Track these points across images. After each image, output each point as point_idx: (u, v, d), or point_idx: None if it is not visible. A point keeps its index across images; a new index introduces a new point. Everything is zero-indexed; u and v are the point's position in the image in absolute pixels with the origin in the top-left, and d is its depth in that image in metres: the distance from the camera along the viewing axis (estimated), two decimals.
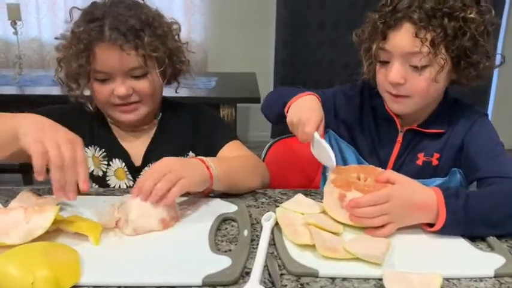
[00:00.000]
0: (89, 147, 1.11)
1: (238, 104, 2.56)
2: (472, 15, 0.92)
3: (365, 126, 1.13)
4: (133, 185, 1.11)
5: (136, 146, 1.13)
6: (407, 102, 1.00)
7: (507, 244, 0.81)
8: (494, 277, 0.70)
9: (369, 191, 0.81)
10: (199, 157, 0.94)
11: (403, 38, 0.94)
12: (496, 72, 3.80)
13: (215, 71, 3.61)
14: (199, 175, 0.89)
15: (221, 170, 0.93)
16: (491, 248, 0.78)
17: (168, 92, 1.18)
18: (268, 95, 1.23)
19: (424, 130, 1.05)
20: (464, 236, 0.82)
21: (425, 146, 1.06)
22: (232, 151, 1.11)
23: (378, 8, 0.99)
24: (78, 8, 1.05)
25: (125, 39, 0.98)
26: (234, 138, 1.15)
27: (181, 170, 0.85)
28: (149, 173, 0.85)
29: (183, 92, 1.22)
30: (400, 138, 1.08)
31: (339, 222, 0.84)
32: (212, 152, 1.10)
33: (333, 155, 0.88)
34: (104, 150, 1.11)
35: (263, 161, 1.47)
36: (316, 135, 0.91)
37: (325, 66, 3.75)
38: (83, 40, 0.98)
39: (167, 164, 0.86)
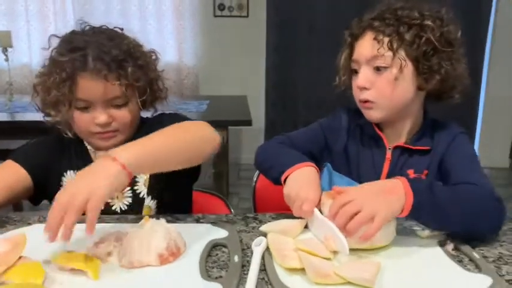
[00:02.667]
0: (67, 172, 1.13)
1: (230, 127, 2.58)
2: (428, 23, 1.00)
3: (355, 149, 1.16)
4: (105, 206, 1.10)
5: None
6: (376, 106, 1.06)
7: (494, 264, 0.82)
8: None
9: None
10: (108, 154, 0.83)
11: (365, 44, 1.04)
12: (483, 91, 3.88)
13: (207, 94, 3.64)
14: (108, 178, 0.78)
15: (136, 153, 0.84)
16: (479, 269, 0.79)
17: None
18: (260, 151, 1.19)
19: (411, 147, 1.09)
20: (434, 225, 0.88)
21: (414, 162, 1.10)
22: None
23: (349, 25, 1.09)
24: (56, 36, 1.06)
25: (108, 70, 1.00)
26: (185, 120, 1.09)
27: (84, 189, 0.76)
28: (52, 211, 0.76)
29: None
30: (388, 155, 1.11)
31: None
32: None
33: (344, 240, 0.81)
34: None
35: (255, 184, 1.48)
36: (319, 214, 0.90)
37: (315, 89, 3.80)
38: (65, 69, 0.99)
39: (68, 192, 0.77)
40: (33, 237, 0.88)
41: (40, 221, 0.99)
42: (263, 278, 0.76)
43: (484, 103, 3.96)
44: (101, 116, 1.03)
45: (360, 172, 1.14)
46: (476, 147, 3.99)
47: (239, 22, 3.84)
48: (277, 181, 1.02)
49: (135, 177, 1.12)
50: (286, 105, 3.91)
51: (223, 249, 0.87)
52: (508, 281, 0.76)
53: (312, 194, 0.92)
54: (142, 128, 1.18)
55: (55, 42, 1.06)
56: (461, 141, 1.09)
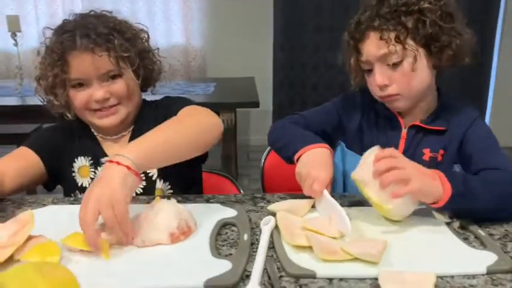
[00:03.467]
0: (77, 158, 1.16)
1: (238, 109, 2.58)
2: (426, 5, 0.99)
3: (369, 129, 1.17)
4: None
5: (115, 150, 1.13)
6: (400, 98, 1.06)
7: (500, 242, 0.83)
8: (487, 274, 0.72)
9: None
10: (112, 159, 0.83)
11: (372, 45, 1.03)
12: (493, 73, 3.84)
13: (214, 76, 3.64)
14: (120, 185, 0.80)
15: (142, 151, 0.86)
16: (484, 246, 0.80)
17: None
18: (274, 130, 1.21)
19: (426, 126, 1.11)
20: (463, 217, 0.88)
21: (429, 142, 1.11)
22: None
23: (346, 29, 1.09)
24: (50, 28, 1.09)
25: (95, 44, 1.03)
26: (189, 104, 1.12)
27: (103, 196, 0.78)
28: (86, 229, 0.77)
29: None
30: (403, 134, 1.13)
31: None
32: None
33: (347, 220, 0.82)
34: (90, 158, 1.15)
35: (263, 165, 1.50)
36: (327, 194, 0.91)
37: (323, 70, 3.78)
38: (56, 51, 1.03)
39: (92, 198, 0.78)
40: (47, 218, 0.92)
41: (54, 203, 1.02)
42: (271, 256, 0.78)
43: (495, 81, 3.92)
44: (98, 92, 1.06)
45: None
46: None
47: (246, 3, 3.81)
48: (290, 160, 1.04)
49: None
50: (294, 87, 3.90)
51: (233, 228, 0.89)
52: None
53: (322, 174, 0.93)
54: (147, 109, 1.20)
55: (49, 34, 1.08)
56: (481, 126, 1.10)
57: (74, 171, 1.16)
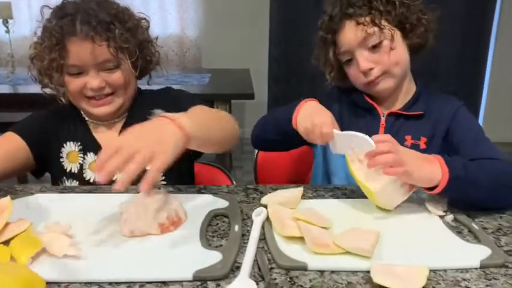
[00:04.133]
0: (66, 143, 1.14)
1: (232, 101, 2.56)
2: None
3: (348, 121, 1.18)
4: None
5: (109, 138, 1.14)
6: (384, 78, 1.10)
7: (493, 235, 0.82)
8: (480, 268, 0.71)
9: None
10: (168, 115, 0.82)
11: (350, 33, 1.08)
12: (488, 66, 3.84)
13: (209, 67, 3.61)
14: (173, 146, 0.77)
15: (195, 124, 0.84)
16: (478, 240, 0.79)
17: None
18: (258, 123, 1.23)
19: (404, 112, 1.13)
20: (464, 200, 0.89)
21: (409, 128, 1.13)
22: None
23: (319, 26, 1.14)
24: (49, 7, 1.07)
25: (95, 32, 1.01)
26: (198, 103, 1.11)
27: (152, 146, 0.74)
28: (113, 152, 0.73)
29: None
30: (383, 122, 1.15)
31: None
32: None
33: (367, 136, 0.86)
34: (79, 143, 1.14)
35: (256, 157, 1.48)
36: (338, 131, 0.94)
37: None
38: (55, 35, 1.01)
39: (133, 143, 0.74)
40: (35, 207, 0.90)
41: (42, 191, 1.00)
42: (263, 247, 0.77)
43: (490, 77, 3.92)
44: (94, 81, 1.04)
45: None
46: (480, 121, 3.97)
47: None
48: (290, 127, 1.04)
49: None
50: (289, 79, 3.88)
51: (224, 219, 0.88)
52: (506, 251, 0.76)
53: (325, 118, 0.97)
54: (142, 98, 1.19)
55: (48, 13, 1.07)
56: (466, 114, 1.13)
57: (62, 157, 1.14)
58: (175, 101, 1.15)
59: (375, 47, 1.07)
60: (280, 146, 1.15)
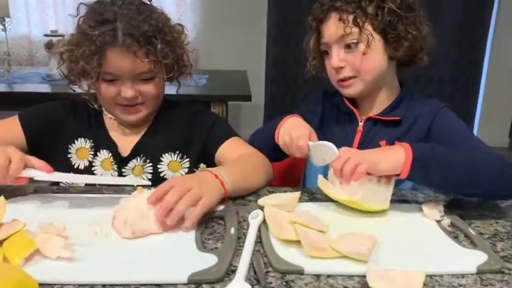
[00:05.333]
0: (78, 139, 1.14)
1: (229, 102, 2.56)
2: None
3: (329, 125, 1.20)
4: (118, 175, 1.12)
5: (125, 138, 1.15)
6: (354, 82, 1.09)
7: (489, 241, 0.82)
8: (476, 273, 0.71)
9: None
10: (210, 170, 0.93)
11: (332, 26, 1.07)
12: (484, 71, 3.85)
13: (206, 68, 3.61)
14: (217, 193, 0.88)
15: (233, 180, 0.93)
16: (474, 245, 0.79)
17: (168, 90, 1.20)
18: (252, 136, 1.27)
19: (381, 118, 1.12)
20: (438, 184, 0.91)
21: (385, 133, 1.12)
22: (232, 148, 1.12)
23: (311, 11, 1.12)
24: (85, 4, 1.05)
25: (138, 46, 1.00)
26: (233, 135, 1.17)
27: (201, 189, 0.84)
28: (169, 188, 0.82)
29: (173, 89, 1.23)
30: (360, 127, 1.15)
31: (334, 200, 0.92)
32: (211, 149, 1.13)
33: (333, 146, 0.92)
34: (92, 140, 1.14)
35: None
36: (311, 142, 0.97)
37: None
38: (95, 42, 0.99)
39: (185, 182, 0.84)
40: (29, 207, 0.89)
41: (36, 191, 0.99)
42: (259, 250, 0.76)
43: (485, 82, 3.93)
44: (128, 91, 1.05)
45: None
46: (476, 126, 3.98)
47: None
48: (275, 147, 1.07)
49: (160, 157, 1.14)
50: (286, 81, 3.88)
51: (220, 221, 0.87)
52: (503, 257, 0.76)
53: (302, 130, 1.00)
54: (169, 107, 1.19)
55: (83, 10, 1.05)
56: (448, 115, 1.10)
57: (70, 152, 1.13)
58: (209, 123, 1.17)
59: (349, 47, 1.06)
60: (270, 158, 1.15)
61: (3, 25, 2.65)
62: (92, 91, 1.09)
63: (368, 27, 1.03)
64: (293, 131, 1.00)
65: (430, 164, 0.86)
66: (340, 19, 1.04)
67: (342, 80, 1.10)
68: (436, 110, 1.10)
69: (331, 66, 1.10)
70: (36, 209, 0.90)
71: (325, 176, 0.95)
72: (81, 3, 1.06)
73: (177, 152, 1.15)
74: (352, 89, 1.10)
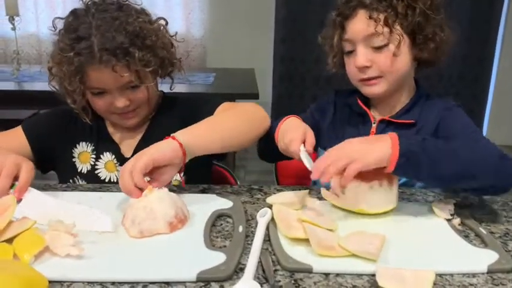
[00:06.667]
0: (79, 144, 1.14)
1: (237, 100, 2.55)
2: None
3: (342, 125, 1.17)
4: None
5: (127, 138, 1.15)
6: (379, 82, 1.06)
7: (500, 240, 0.81)
8: (487, 273, 0.70)
9: (367, 178, 0.86)
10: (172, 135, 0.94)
11: (359, 23, 1.03)
12: (494, 70, 3.81)
13: (214, 66, 3.61)
14: (154, 149, 0.89)
15: (189, 134, 0.93)
16: (485, 244, 0.78)
17: (166, 88, 1.20)
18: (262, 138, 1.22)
19: (396, 120, 1.10)
20: (428, 179, 0.87)
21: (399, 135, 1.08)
22: (219, 111, 1.11)
23: (335, 6, 1.09)
24: (60, 18, 1.04)
25: (116, 60, 0.97)
26: (222, 102, 1.14)
27: (134, 157, 0.87)
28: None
29: (181, 88, 1.24)
30: (373, 129, 1.12)
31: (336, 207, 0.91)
32: None
33: (308, 165, 0.90)
34: (93, 144, 1.14)
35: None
36: (302, 148, 0.94)
37: (323, 63, 3.74)
38: (73, 63, 0.97)
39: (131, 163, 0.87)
40: (39, 205, 0.90)
41: (46, 189, 1.00)
42: (267, 248, 0.76)
43: (496, 80, 3.89)
44: (119, 102, 1.04)
45: None
46: (485, 124, 3.94)
47: None
48: (277, 147, 1.04)
49: None
50: (293, 79, 3.87)
51: (228, 219, 0.87)
52: None
53: (295, 135, 0.96)
54: (165, 104, 1.19)
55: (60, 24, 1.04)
56: (456, 114, 1.08)
57: (74, 157, 1.14)
58: (199, 105, 1.16)
59: (378, 48, 1.02)
60: (280, 158, 1.14)
61: (13, 24, 2.67)
62: (81, 107, 1.08)
63: (397, 27, 1.00)
64: (286, 137, 0.98)
65: (418, 160, 0.82)
66: (370, 17, 1.00)
67: (366, 79, 1.06)
68: (444, 110, 1.08)
69: (353, 65, 1.06)
70: (45, 207, 0.90)
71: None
72: (56, 17, 1.05)
73: None
74: (377, 88, 1.06)
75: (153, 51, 1.03)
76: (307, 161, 0.91)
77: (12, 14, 2.67)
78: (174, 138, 0.91)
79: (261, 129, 1.06)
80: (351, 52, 1.07)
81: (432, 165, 0.83)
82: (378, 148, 0.82)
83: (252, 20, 3.79)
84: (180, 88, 1.23)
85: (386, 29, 1.00)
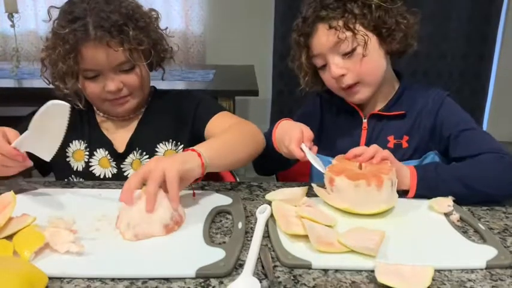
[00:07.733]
0: (72, 142, 1.14)
1: (236, 97, 2.55)
2: None
3: (331, 126, 1.18)
4: (117, 172, 1.13)
5: (119, 134, 1.16)
6: (360, 88, 1.07)
7: (499, 236, 0.81)
8: (486, 268, 0.70)
9: (358, 178, 0.85)
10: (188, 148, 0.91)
11: (322, 37, 1.04)
12: (494, 67, 3.81)
13: (213, 63, 3.60)
14: (182, 160, 0.85)
15: (210, 151, 0.91)
16: (484, 240, 0.78)
17: (166, 84, 1.20)
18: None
19: (385, 113, 1.11)
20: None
21: (391, 128, 1.12)
22: (219, 123, 1.11)
23: (293, 28, 1.10)
24: (55, 7, 1.05)
25: (110, 36, 0.99)
26: (219, 110, 1.15)
27: (159, 164, 0.81)
28: (129, 180, 0.81)
29: (181, 85, 1.24)
30: (365, 124, 1.14)
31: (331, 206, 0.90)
32: (200, 130, 1.12)
33: (317, 165, 0.91)
34: (86, 141, 1.14)
35: None
36: (304, 147, 0.94)
37: None
38: (68, 41, 0.99)
39: (146, 166, 0.83)
40: (39, 202, 0.90)
41: (46, 186, 1.00)
42: (266, 245, 0.76)
43: (496, 77, 3.89)
44: (111, 84, 1.05)
45: (337, 145, 1.15)
46: (485, 120, 3.94)
47: None
48: (276, 152, 1.05)
49: (155, 148, 1.15)
50: (293, 76, 3.85)
51: (227, 216, 0.87)
52: None
53: (294, 134, 0.95)
54: (159, 96, 1.20)
55: (55, 13, 1.05)
56: (452, 106, 1.10)
57: (68, 156, 1.14)
58: (196, 103, 1.16)
59: (347, 54, 1.03)
60: (277, 169, 1.14)
61: (12, 21, 2.66)
62: (74, 92, 1.07)
63: (360, 28, 1.01)
64: (285, 138, 0.98)
65: (436, 183, 0.92)
66: (330, 27, 1.01)
67: (346, 88, 1.07)
68: (440, 101, 1.09)
69: (330, 77, 1.07)
70: (45, 204, 0.91)
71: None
72: (52, 6, 1.06)
73: (170, 140, 1.16)
74: (360, 95, 1.08)
75: (146, 32, 1.06)
76: (315, 162, 0.92)
77: (12, 11, 2.66)
78: (199, 155, 0.87)
79: (260, 150, 1.07)
80: (324, 66, 1.08)
81: (447, 187, 0.92)
82: (403, 170, 0.94)
83: (252, 16, 3.78)
84: (179, 85, 1.23)
85: (349, 33, 1.01)
